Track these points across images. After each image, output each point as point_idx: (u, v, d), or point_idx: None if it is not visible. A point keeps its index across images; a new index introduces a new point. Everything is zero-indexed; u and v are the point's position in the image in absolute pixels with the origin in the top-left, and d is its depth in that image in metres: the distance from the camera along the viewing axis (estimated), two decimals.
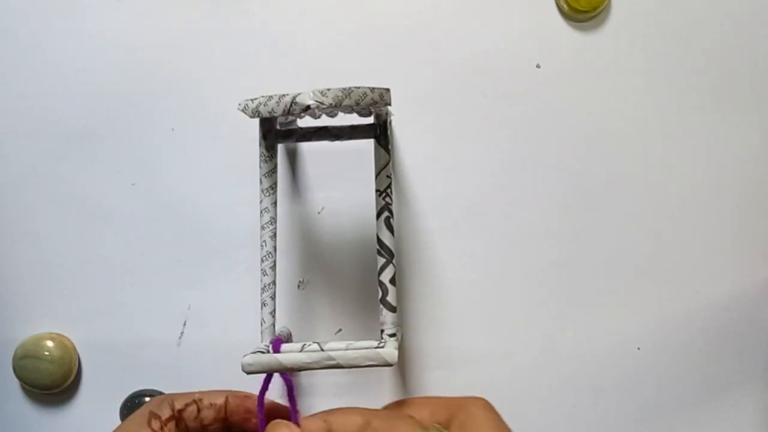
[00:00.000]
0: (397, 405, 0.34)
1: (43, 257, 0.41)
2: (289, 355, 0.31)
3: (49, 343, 0.40)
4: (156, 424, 0.32)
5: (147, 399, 0.40)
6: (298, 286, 0.41)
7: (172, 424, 0.33)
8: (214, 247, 0.41)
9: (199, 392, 0.34)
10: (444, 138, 0.40)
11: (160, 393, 0.41)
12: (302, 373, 0.41)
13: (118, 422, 0.41)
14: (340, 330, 0.41)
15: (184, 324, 0.41)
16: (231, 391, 0.35)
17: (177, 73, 0.40)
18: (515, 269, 0.41)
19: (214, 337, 0.41)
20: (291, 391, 0.32)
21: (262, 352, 0.31)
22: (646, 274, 0.41)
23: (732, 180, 0.40)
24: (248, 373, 0.31)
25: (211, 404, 0.34)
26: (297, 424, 0.31)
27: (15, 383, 0.41)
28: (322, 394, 0.41)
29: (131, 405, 0.40)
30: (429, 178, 0.40)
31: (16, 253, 0.41)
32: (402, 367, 0.41)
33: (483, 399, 0.33)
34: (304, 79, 0.40)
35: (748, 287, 0.41)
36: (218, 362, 0.41)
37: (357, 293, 0.41)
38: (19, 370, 0.40)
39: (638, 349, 0.41)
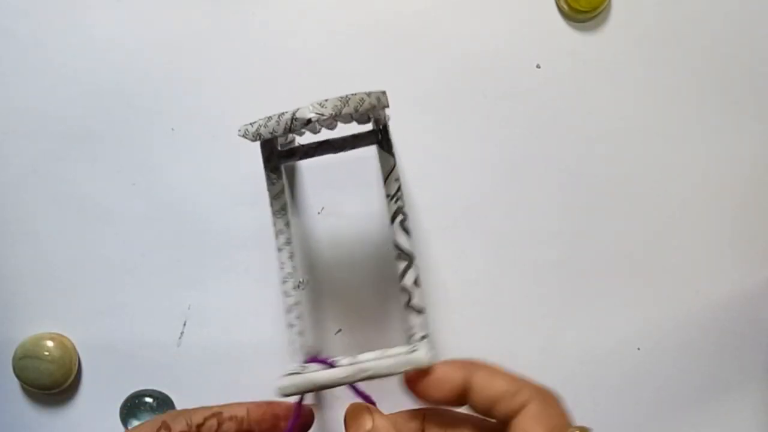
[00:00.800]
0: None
1: (43, 257, 0.41)
2: (323, 373, 0.30)
3: (49, 343, 0.40)
4: None
5: (147, 399, 0.40)
6: (298, 286, 0.41)
7: None
8: (214, 247, 0.41)
9: (218, 406, 0.33)
10: (444, 138, 0.40)
11: (160, 393, 0.41)
12: None
13: (118, 422, 0.41)
14: (339, 330, 0.41)
15: (184, 324, 0.41)
16: (251, 402, 0.33)
17: (177, 73, 0.40)
18: (515, 269, 0.41)
19: (214, 337, 0.41)
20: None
21: (297, 374, 0.30)
22: (646, 274, 0.41)
23: (732, 180, 0.40)
24: (285, 396, 0.30)
25: (232, 416, 0.32)
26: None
27: (15, 383, 0.41)
28: (322, 396, 0.41)
29: (131, 405, 0.40)
30: (429, 178, 0.40)
31: (16, 253, 0.41)
32: None
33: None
34: (304, 79, 0.40)
35: (748, 287, 0.41)
36: (218, 362, 0.41)
37: (357, 293, 0.41)
38: (19, 370, 0.40)
39: (638, 349, 0.41)
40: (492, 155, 0.40)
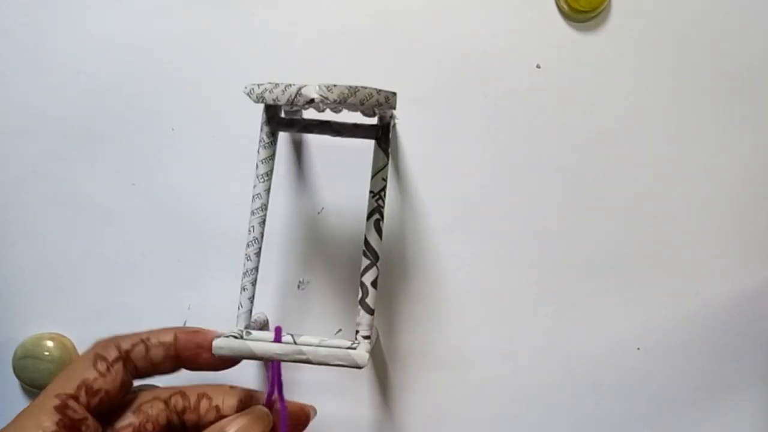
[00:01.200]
0: None
1: (43, 257, 0.41)
2: (261, 344, 0.30)
3: (49, 343, 0.40)
4: (102, 366, 0.31)
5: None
6: (298, 286, 0.41)
7: (119, 365, 0.31)
8: (214, 247, 0.41)
9: (146, 331, 0.33)
10: (444, 138, 0.40)
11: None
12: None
13: None
14: (340, 330, 0.41)
15: (184, 324, 0.41)
16: (179, 328, 0.34)
17: (177, 73, 0.40)
18: (515, 269, 0.41)
19: None
20: (277, 379, 0.33)
21: (235, 337, 0.31)
22: (646, 274, 0.41)
23: (732, 180, 0.40)
24: (217, 356, 0.31)
25: (160, 342, 0.33)
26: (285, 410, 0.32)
27: (15, 383, 0.41)
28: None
29: None
30: (429, 178, 0.40)
31: (16, 253, 0.41)
32: (402, 367, 0.41)
33: None
34: (304, 79, 0.40)
35: (748, 287, 0.41)
36: None
37: (357, 293, 0.41)
38: (19, 370, 0.40)
39: (638, 349, 0.41)
40: (492, 155, 0.40)
